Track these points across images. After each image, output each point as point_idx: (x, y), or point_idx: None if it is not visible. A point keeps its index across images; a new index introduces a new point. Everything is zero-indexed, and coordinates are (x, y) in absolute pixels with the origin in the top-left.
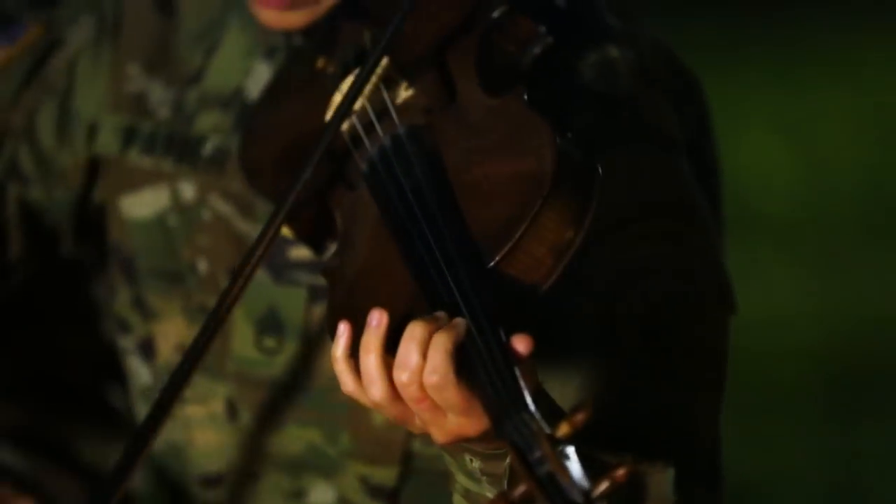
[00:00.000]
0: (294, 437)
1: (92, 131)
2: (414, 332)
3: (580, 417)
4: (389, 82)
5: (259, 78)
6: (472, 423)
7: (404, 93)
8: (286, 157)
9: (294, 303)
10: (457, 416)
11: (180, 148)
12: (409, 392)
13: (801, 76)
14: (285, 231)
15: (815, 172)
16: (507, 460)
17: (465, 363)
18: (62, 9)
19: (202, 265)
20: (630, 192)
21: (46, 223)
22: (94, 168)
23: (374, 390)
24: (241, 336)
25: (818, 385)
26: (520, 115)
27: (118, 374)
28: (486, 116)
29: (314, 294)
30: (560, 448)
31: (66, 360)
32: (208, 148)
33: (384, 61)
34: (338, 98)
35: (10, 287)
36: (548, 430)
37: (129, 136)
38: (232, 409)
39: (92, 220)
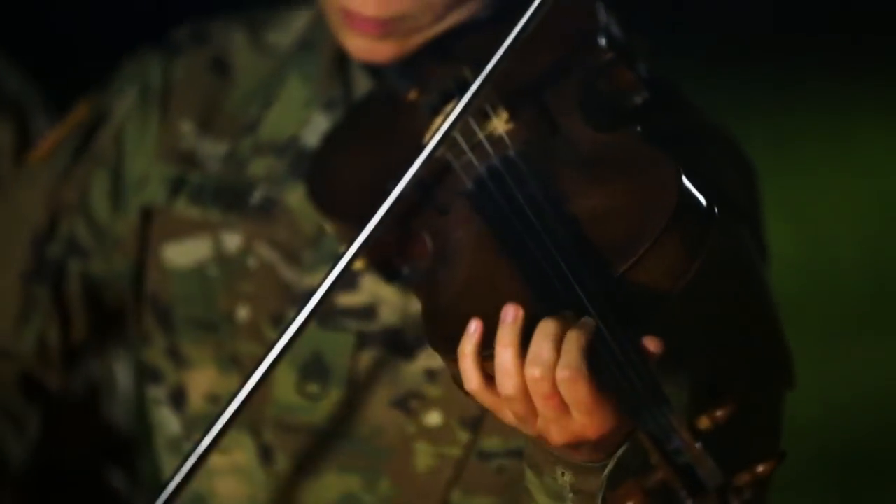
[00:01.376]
0: (331, 485)
1: (141, 192)
2: (547, 329)
3: (721, 413)
4: (490, 113)
5: (316, 128)
6: (595, 423)
7: (504, 125)
8: (365, 184)
9: (341, 349)
10: (581, 416)
11: (229, 197)
12: (540, 388)
13: (803, 155)
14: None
15: (816, 249)
16: (605, 473)
17: (596, 362)
18: (109, 83)
19: (242, 312)
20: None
21: (109, 299)
22: (145, 227)
23: (509, 385)
24: (283, 381)
25: (818, 459)
26: (637, 148)
27: (120, 458)
28: (597, 148)
29: (362, 341)
30: (698, 440)
31: (66, 445)
32: (257, 196)
33: (489, 90)
34: (438, 122)
35: (74, 374)
36: (686, 423)
37: (177, 186)
38: (268, 455)
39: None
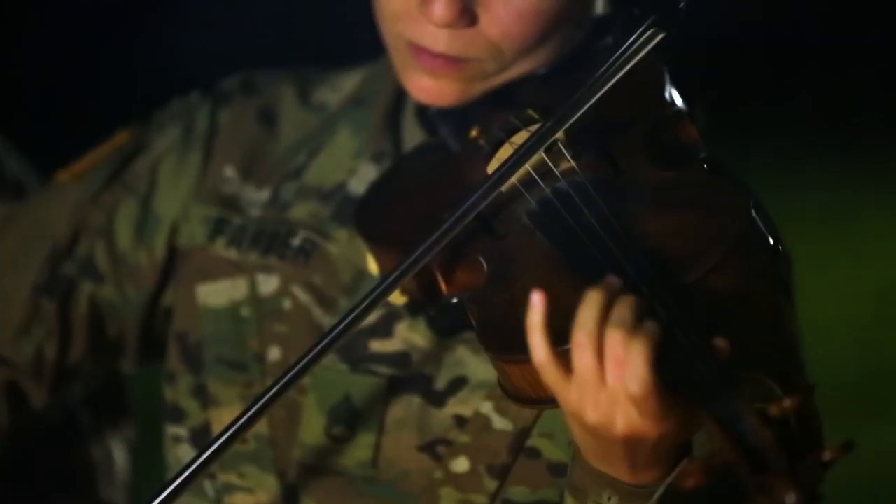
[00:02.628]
0: None
1: (172, 233)
2: (628, 300)
3: (789, 403)
4: (554, 153)
5: (364, 177)
6: (652, 423)
7: (567, 164)
8: (417, 216)
9: (371, 393)
10: (639, 413)
11: (269, 240)
12: (615, 351)
13: (801, 238)
14: (396, 297)
15: (808, 331)
16: (653, 500)
17: (668, 358)
18: (154, 118)
19: (274, 353)
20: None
21: (113, 328)
22: (168, 269)
23: (587, 355)
24: (312, 424)
25: None
26: (705, 178)
27: None
28: (663, 181)
29: (393, 387)
30: (768, 427)
31: None
32: (297, 239)
33: (560, 133)
34: (504, 153)
35: (68, 395)
36: (756, 410)
37: (217, 228)
38: (293, 497)
39: (157, 329)
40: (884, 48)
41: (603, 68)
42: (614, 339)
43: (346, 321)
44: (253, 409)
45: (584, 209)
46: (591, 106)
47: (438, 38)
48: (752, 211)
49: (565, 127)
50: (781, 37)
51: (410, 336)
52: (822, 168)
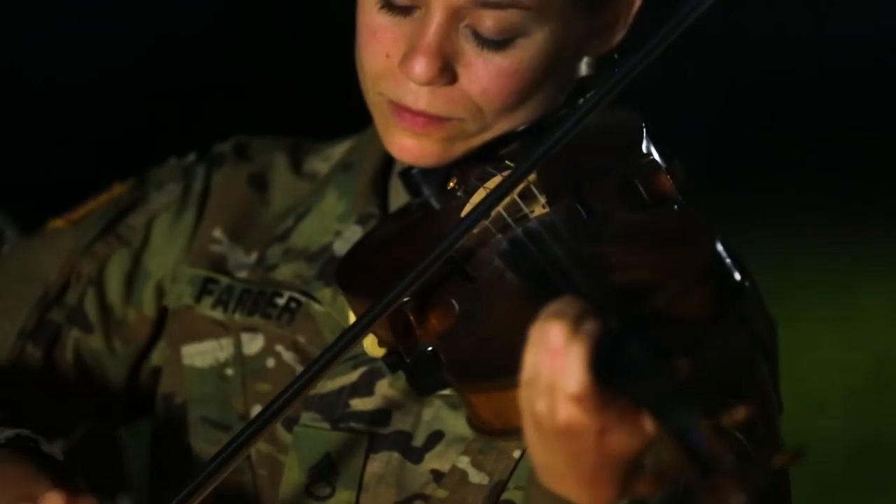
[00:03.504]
0: None
1: (160, 291)
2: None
3: (741, 413)
4: (528, 197)
5: (350, 239)
6: (590, 417)
7: (541, 209)
8: (395, 267)
9: (352, 451)
10: (577, 405)
11: (255, 301)
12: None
13: (798, 316)
14: (369, 344)
15: (802, 401)
16: None
17: (617, 365)
18: (152, 175)
19: (257, 412)
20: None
21: (98, 380)
22: (158, 327)
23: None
24: (292, 482)
25: None
26: (674, 214)
27: None
28: (634, 221)
29: (373, 444)
30: (720, 437)
31: None
32: (281, 301)
33: (532, 176)
34: (478, 198)
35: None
36: (708, 421)
37: (204, 288)
38: None
39: (144, 386)
40: (880, 127)
41: (577, 115)
42: (555, 329)
43: (317, 366)
44: (227, 451)
45: (553, 248)
46: (563, 150)
47: (419, 97)
48: (718, 245)
49: (533, 168)
50: (782, 119)
51: (390, 393)
52: (819, 243)
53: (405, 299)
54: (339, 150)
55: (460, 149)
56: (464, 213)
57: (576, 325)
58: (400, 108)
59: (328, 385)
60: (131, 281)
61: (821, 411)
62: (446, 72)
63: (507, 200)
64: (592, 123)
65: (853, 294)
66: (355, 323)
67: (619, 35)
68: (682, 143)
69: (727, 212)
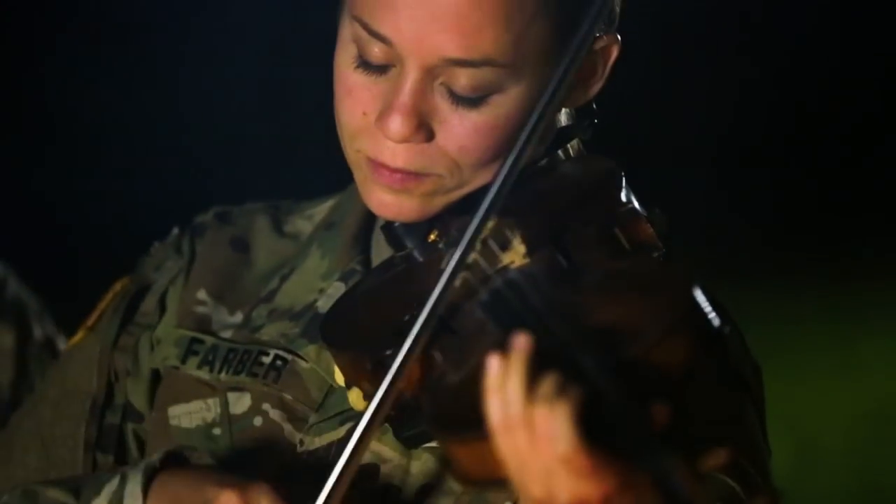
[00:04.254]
0: None
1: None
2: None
3: (722, 457)
4: (508, 248)
5: (333, 296)
6: (591, 484)
7: (521, 259)
8: (380, 320)
9: None
10: (576, 476)
11: (240, 360)
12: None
13: (801, 367)
14: (355, 397)
15: (805, 451)
16: None
17: (600, 422)
18: (145, 262)
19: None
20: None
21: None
22: (152, 390)
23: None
24: None
25: None
26: (653, 262)
27: None
28: (613, 269)
29: (363, 498)
30: (698, 480)
31: None
32: (267, 359)
33: (493, 220)
34: (457, 253)
35: None
36: (684, 463)
37: (189, 349)
38: None
39: None
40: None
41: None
42: (540, 414)
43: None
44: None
45: (533, 297)
46: (543, 200)
47: (396, 154)
48: (697, 291)
49: (493, 209)
50: (787, 182)
51: (378, 448)
52: (820, 300)
53: (387, 352)
54: (321, 209)
55: (440, 203)
56: (442, 266)
57: (555, 397)
58: (378, 165)
59: (316, 441)
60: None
61: (823, 462)
62: (422, 129)
63: (488, 253)
64: (572, 172)
65: (855, 347)
66: (366, 413)
67: (597, 86)
68: (684, 197)
69: (729, 266)
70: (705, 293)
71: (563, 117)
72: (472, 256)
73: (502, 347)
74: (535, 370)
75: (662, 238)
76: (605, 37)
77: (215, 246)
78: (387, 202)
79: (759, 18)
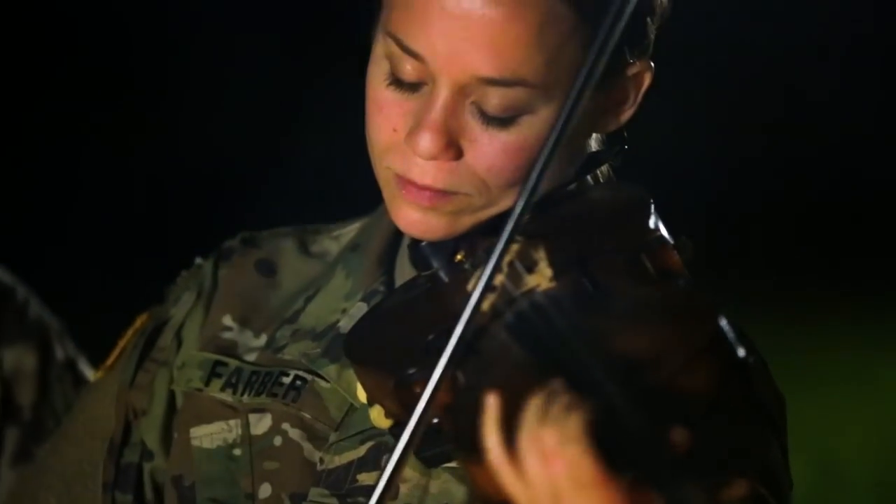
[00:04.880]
0: None
1: (170, 380)
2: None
3: (741, 489)
4: (534, 271)
5: (355, 316)
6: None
7: (547, 282)
8: (405, 339)
9: None
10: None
11: (262, 381)
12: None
13: (822, 391)
14: (376, 415)
15: (832, 489)
16: None
17: (617, 446)
18: (169, 294)
19: (265, 490)
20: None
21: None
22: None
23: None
24: None
25: None
26: (677, 292)
27: None
28: (638, 296)
29: None
30: None
31: None
32: (287, 379)
33: (520, 243)
34: (484, 277)
35: None
36: (703, 492)
37: (213, 371)
38: None
39: None
40: None
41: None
42: (550, 436)
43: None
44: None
45: (558, 321)
46: (571, 225)
47: (425, 172)
48: (721, 320)
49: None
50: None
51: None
52: (843, 328)
53: (410, 371)
54: (349, 231)
55: (468, 222)
56: (470, 286)
57: (565, 419)
58: (406, 182)
59: (336, 460)
60: (173, 397)
61: (845, 488)
62: (452, 147)
63: (512, 273)
64: (601, 197)
65: (877, 374)
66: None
67: (629, 113)
68: (701, 226)
69: (754, 304)
70: (730, 323)
71: (594, 142)
72: (498, 278)
73: (525, 370)
74: (546, 399)
75: (689, 266)
76: (638, 63)
77: (241, 270)
78: (414, 220)
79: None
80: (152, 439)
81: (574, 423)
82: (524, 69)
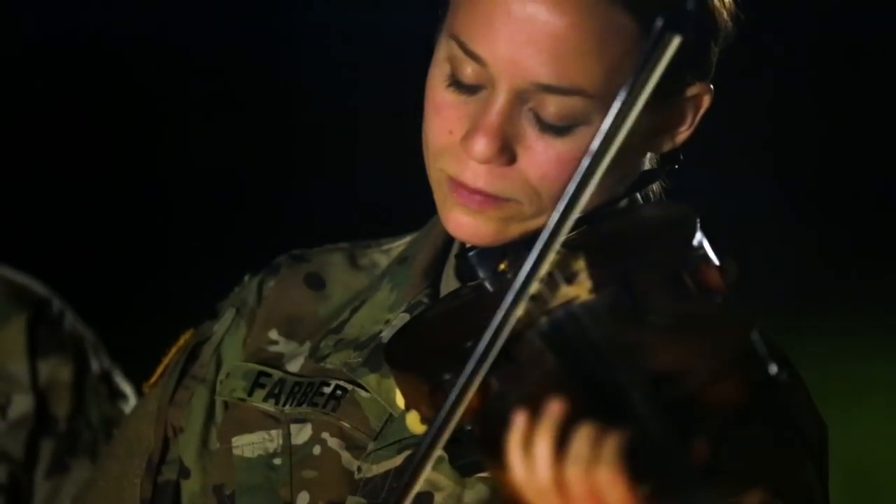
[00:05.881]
0: None
1: (211, 392)
2: (588, 430)
3: (750, 499)
4: (574, 282)
5: (398, 326)
6: None
7: (587, 294)
8: (445, 347)
9: None
10: None
11: (304, 391)
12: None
13: (855, 406)
14: (412, 420)
15: (867, 497)
16: None
17: (643, 461)
18: (217, 310)
19: (303, 499)
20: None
21: None
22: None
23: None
24: None
25: None
26: (714, 306)
27: None
28: (676, 312)
29: None
30: None
31: None
32: (328, 389)
33: (561, 253)
34: (517, 284)
35: None
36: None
37: (256, 382)
38: None
39: None
40: None
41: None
42: (575, 475)
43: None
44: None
45: (593, 331)
46: (615, 239)
47: (478, 175)
48: (754, 335)
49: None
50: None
51: (434, 476)
52: (875, 339)
53: (446, 377)
54: (399, 244)
55: (516, 230)
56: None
57: (595, 452)
58: (458, 185)
59: (373, 469)
60: (211, 412)
61: (877, 501)
62: (506, 152)
63: (552, 283)
64: (648, 215)
65: None
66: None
67: (685, 134)
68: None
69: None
70: (767, 341)
71: (647, 161)
72: (537, 288)
73: (558, 379)
74: (586, 398)
75: (731, 286)
76: (697, 84)
77: (289, 284)
78: (463, 223)
79: None
80: (190, 457)
81: (609, 447)
82: (583, 78)
